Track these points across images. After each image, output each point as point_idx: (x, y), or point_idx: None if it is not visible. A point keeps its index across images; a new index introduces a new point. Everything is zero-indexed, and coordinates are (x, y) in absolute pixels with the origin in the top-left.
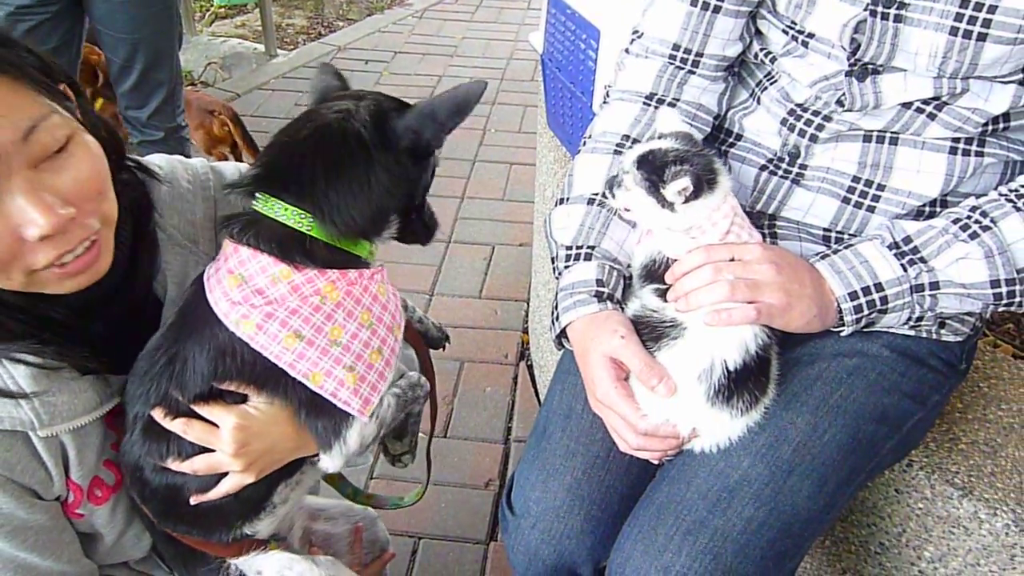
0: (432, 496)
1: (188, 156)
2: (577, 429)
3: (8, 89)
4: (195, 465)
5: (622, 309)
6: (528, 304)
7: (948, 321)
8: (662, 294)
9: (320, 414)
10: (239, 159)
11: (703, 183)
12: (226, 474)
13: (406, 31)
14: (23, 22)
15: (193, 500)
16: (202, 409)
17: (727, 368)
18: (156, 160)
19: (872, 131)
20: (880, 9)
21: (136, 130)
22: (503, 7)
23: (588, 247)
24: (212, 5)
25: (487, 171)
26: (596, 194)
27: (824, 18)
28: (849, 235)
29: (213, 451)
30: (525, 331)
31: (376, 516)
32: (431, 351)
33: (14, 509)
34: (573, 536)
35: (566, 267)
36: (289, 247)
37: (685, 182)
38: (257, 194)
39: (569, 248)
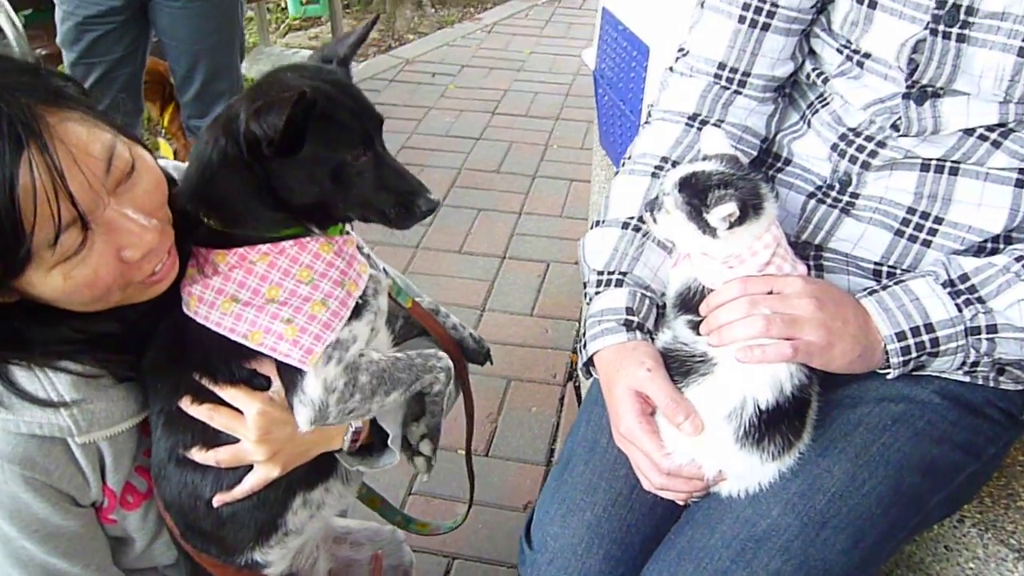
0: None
1: None
2: (601, 463)
3: (80, 125)
4: (219, 455)
5: (652, 339)
6: (579, 323)
7: (1008, 368)
8: (695, 326)
9: (286, 376)
10: None
11: (749, 209)
12: (250, 470)
13: (474, 45)
14: (90, 32)
15: (216, 500)
16: (226, 393)
17: (758, 408)
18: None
19: (930, 159)
20: (942, 28)
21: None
22: (572, 23)
23: (620, 273)
24: (287, 17)
25: (547, 187)
26: (631, 218)
27: (881, 37)
28: (902, 270)
29: (237, 442)
30: (575, 351)
31: (402, 540)
32: (474, 367)
33: (49, 515)
34: (591, 575)
35: (596, 293)
36: (218, 240)
37: (731, 207)
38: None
39: (601, 273)
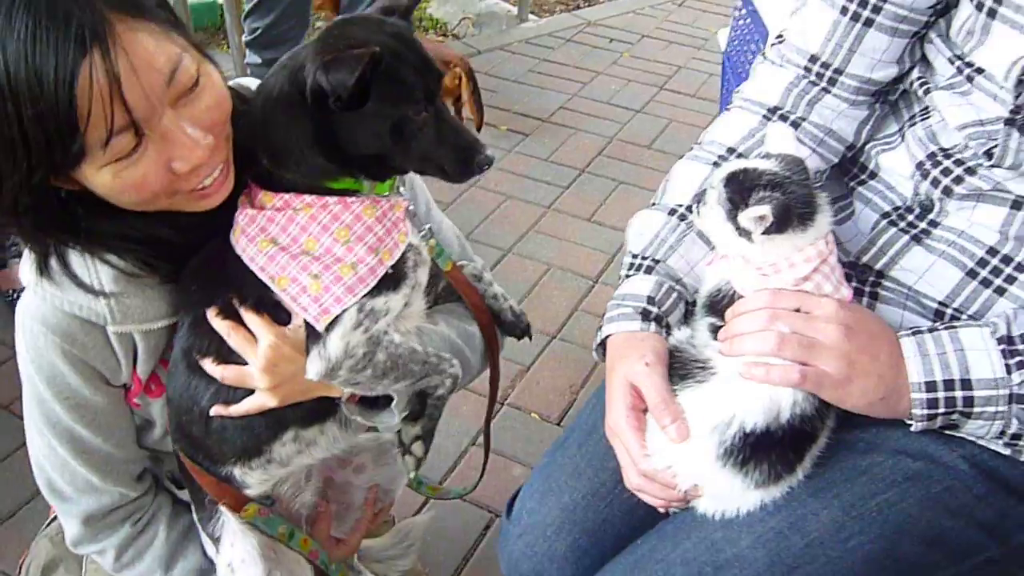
0: (523, 476)
1: None
2: (592, 450)
3: (149, 36)
4: (226, 372)
5: (668, 334)
6: None
7: None
8: (717, 330)
9: (311, 324)
10: (459, 113)
11: (791, 217)
12: (250, 394)
13: (661, 16)
14: None
15: (213, 411)
16: (248, 317)
17: (744, 429)
18: (252, 84)
19: None
20: None
21: None
22: None
23: (653, 260)
24: None
25: None
26: (680, 205)
27: (995, 52)
28: (968, 316)
29: (246, 364)
30: None
31: (400, 475)
32: (579, 340)
33: (80, 386)
34: (555, 560)
35: (626, 276)
36: (266, 179)
37: (763, 210)
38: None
39: (635, 256)
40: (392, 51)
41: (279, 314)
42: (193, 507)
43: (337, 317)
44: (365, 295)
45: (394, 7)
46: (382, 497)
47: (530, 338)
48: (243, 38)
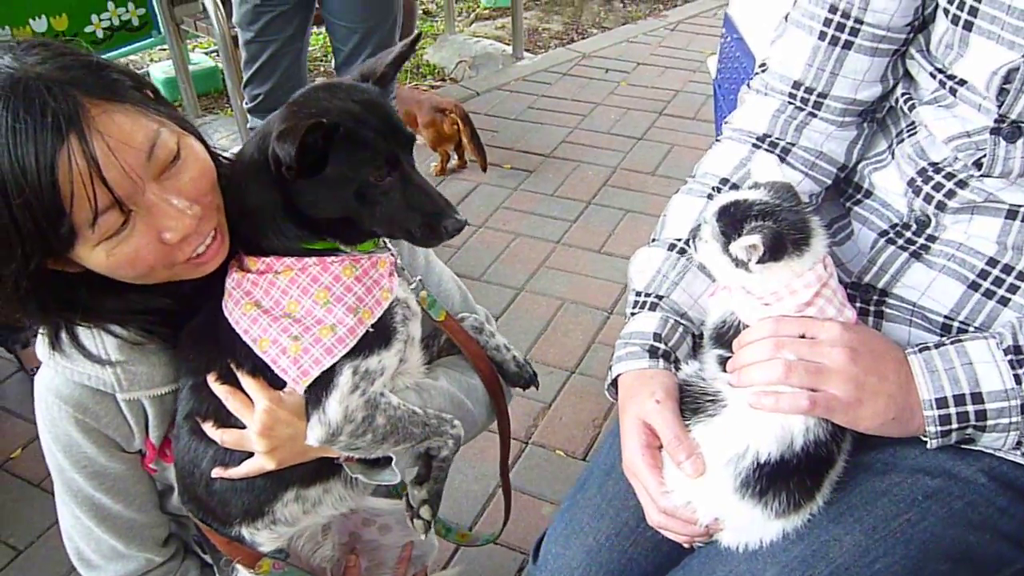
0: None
1: None
2: (613, 490)
3: (125, 116)
4: (225, 436)
5: (677, 369)
6: None
7: None
8: (725, 362)
9: (310, 389)
10: (462, 157)
11: (785, 244)
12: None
13: (654, 43)
14: (266, 14)
15: (215, 473)
16: (244, 381)
17: (758, 459)
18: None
19: (1018, 206)
20: None
21: None
22: None
23: (656, 296)
24: (478, 6)
25: None
26: (679, 240)
27: (975, 63)
28: (974, 328)
29: (244, 428)
30: None
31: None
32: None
33: (97, 455)
34: None
35: (632, 314)
36: (251, 245)
37: (753, 240)
38: None
39: (639, 294)
40: (353, 116)
41: (276, 378)
42: (215, 568)
43: (334, 383)
44: (357, 356)
45: (371, 74)
46: (415, 562)
47: (536, 387)
48: (245, 104)
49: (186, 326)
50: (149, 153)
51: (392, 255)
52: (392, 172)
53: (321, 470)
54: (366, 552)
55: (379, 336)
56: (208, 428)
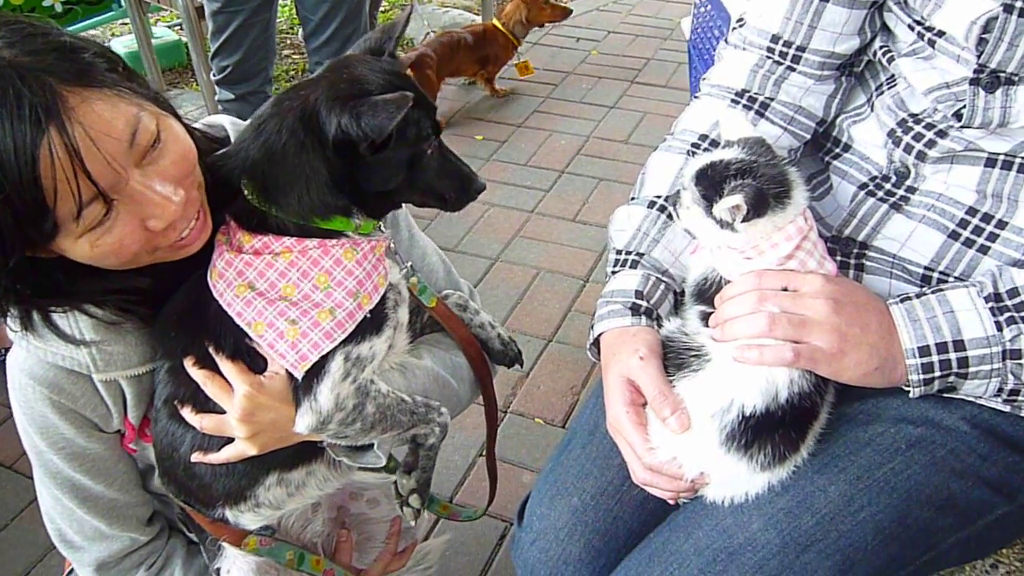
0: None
1: None
2: (597, 450)
3: (104, 103)
4: (204, 422)
5: (659, 326)
6: None
7: None
8: (707, 317)
9: (303, 377)
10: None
11: (766, 200)
12: (231, 441)
13: (624, 11)
14: None
15: (194, 458)
16: (224, 366)
17: (743, 412)
18: (224, 121)
19: (997, 154)
20: (1019, 4)
21: None
22: None
23: (637, 254)
24: None
25: None
26: (659, 197)
27: (954, 13)
28: (954, 278)
29: (224, 413)
30: None
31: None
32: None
33: (74, 436)
34: (571, 563)
35: (613, 272)
36: (251, 219)
37: (736, 200)
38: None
39: (620, 253)
40: (400, 90)
41: (256, 362)
42: (201, 545)
43: (325, 369)
44: (349, 343)
45: (379, 47)
46: (405, 535)
47: (521, 365)
48: (212, 76)
49: (166, 304)
50: (131, 140)
51: (386, 238)
52: (436, 140)
53: (303, 453)
54: (355, 525)
55: (371, 322)
56: (187, 414)
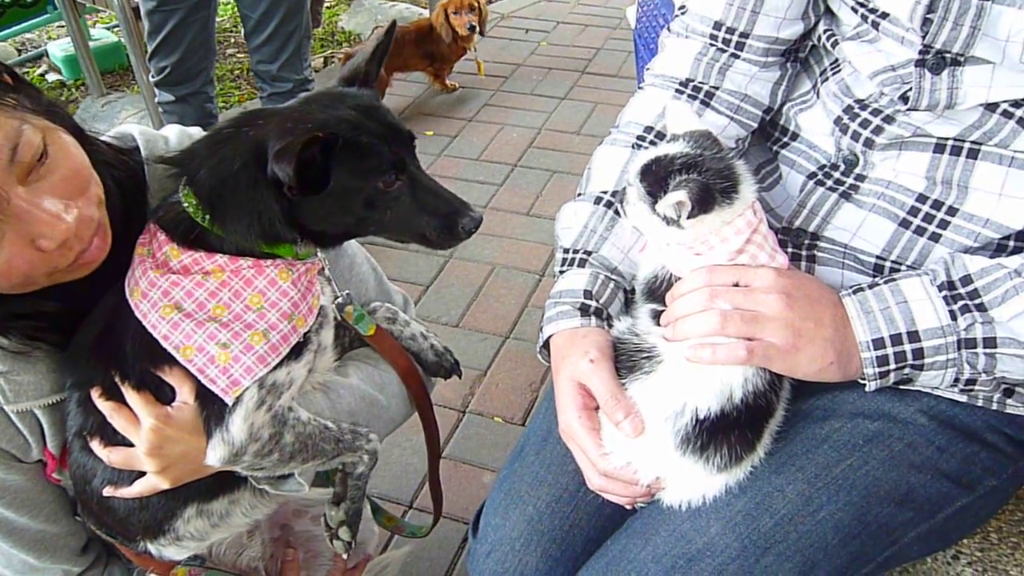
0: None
1: None
2: (551, 456)
3: None
4: (112, 456)
5: (610, 326)
6: None
7: (1018, 389)
8: (659, 316)
9: (209, 402)
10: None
11: (711, 195)
12: (144, 474)
13: (572, 1)
14: None
15: (106, 492)
16: (130, 397)
17: (697, 414)
18: (133, 131)
19: (946, 139)
20: None
21: (266, 83)
22: None
23: (585, 252)
24: None
25: None
26: (605, 192)
27: None
28: (907, 267)
29: (133, 447)
30: None
31: (369, 518)
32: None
33: None
34: (528, 574)
35: (561, 272)
36: (185, 231)
37: (679, 196)
38: (183, 179)
39: (567, 251)
40: (351, 125)
41: (163, 391)
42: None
43: (238, 398)
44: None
45: (354, 76)
46: (355, 552)
47: (459, 375)
48: (151, 78)
49: (80, 328)
50: (11, 155)
51: (321, 260)
52: (400, 176)
53: (224, 482)
54: (301, 543)
55: (292, 347)
56: (95, 447)
